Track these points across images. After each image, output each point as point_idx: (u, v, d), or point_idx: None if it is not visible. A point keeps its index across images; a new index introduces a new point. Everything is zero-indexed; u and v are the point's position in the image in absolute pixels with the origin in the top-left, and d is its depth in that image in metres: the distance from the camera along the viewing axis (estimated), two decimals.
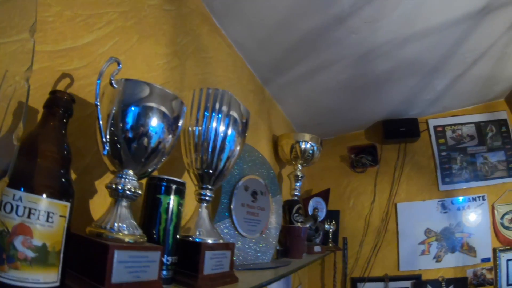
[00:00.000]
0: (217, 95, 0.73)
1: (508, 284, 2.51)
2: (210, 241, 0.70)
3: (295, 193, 1.80)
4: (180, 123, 0.61)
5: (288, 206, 1.67)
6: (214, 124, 0.72)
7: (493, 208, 2.52)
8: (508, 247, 2.52)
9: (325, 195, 2.30)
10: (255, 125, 1.58)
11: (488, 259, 2.52)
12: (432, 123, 2.53)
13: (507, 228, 2.51)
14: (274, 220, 1.26)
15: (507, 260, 2.52)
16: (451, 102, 2.51)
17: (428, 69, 1.98)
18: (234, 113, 0.76)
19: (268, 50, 1.52)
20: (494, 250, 2.52)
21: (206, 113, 0.72)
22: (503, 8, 1.54)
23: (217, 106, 0.73)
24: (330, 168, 2.60)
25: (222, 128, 0.73)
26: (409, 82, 2.09)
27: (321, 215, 2.19)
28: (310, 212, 2.11)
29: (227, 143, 0.75)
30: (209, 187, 0.76)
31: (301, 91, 1.96)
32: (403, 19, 1.45)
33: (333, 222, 2.30)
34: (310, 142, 1.81)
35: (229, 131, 0.75)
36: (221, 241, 0.73)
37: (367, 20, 1.42)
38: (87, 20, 0.66)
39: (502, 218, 2.51)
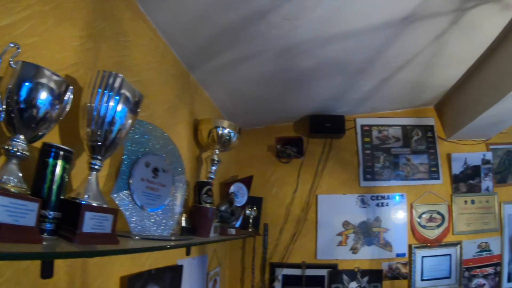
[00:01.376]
0: (111, 77, 0.83)
1: (422, 279, 2.64)
2: (94, 204, 0.78)
3: (210, 176, 1.82)
4: (66, 97, 0.73)
5: (198, 187, 1.71)
6: (105, 101, 0.82)
7: (411, 207, 2.66)
8: (424, 244, 2.64)
9: (247, 181, 2.45)
10: (173, 108, 1.61)
11: (403, 254, 2.65)
12: (360, 122, 2.74)
13: (424, 226, 2.65)
14: (177, 198, 1.34)
15: (422, 257, 2.65)
16: (380, 104, 2.70)
17: (353, 70, 2.16)
18: (126, 92, 0.85)
19: (192, 37, 1.56)
20: (410, 246, 2.65)
21: (99, 90, 0.82)
22: (427, 19, 1.66)
23: (109, 86, 0.82)
24: (257, 156, 2.78)
25: (112, 104, 0.82)
26: (334, 80, 2.28)
27: (242, 200, 2.35)
28: (235, 196, 2.21)
29: (117, 118, 0.84)
30: (99, 157, 0.84)
31: (227, 79, 2.03)
32: (323, 19, 1.54)
33: (254, 208, 2.44)
34: (228, 129, 1.83)
35: (120, 107, 0.84)
36: (105, 205, 0.81)
37: (287, 17, 1.49)
38: (7, 4, 0.73)
39: (420, 217, 2.65)
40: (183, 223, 1.48)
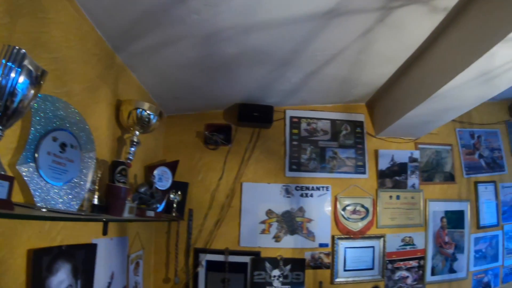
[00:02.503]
0: (14, 50, 0.85)
1: (345, 270, 2.73)
2: None
3: (129, 156, 1.82)
4: None
5: (113, 166, 1.71)
6: (7, 73, 0.84)
7: (336, 199, 2.73)
8: (347, 236, 2.72)
9: (173, 166, 2.48)
10: (94, 88, 1.60)
11: (326, 245, 2.73)
12: (290, 113, 2.80)
13: (347, 218, 2.72)
14: (86, 175, 1.36)
15: (345, 248, 2.74)
16: (310, 97, 2.78)
17: (278, 61, 2.21)
18: (28, 66, 0.88)
19: (117, 18, 1.55)
20: (333, 237, 2.73)
21: (3, 62, 0.84)
22: (351, 15, 1.69)
23: (12, 58, 0.85)
24: (186, 142, 2.82)
25: (13, 75, 0.85)
26: (260, 70, 2.32)
27: (166, 184, 2.37)
28: (155, 179, 2.27)
29: (19, 90, 0.87)
30: (0, 126, 0.87)
31: (153, 63, 2.03)
32: (243, 7, 1.55)
33: (179, 192, 2.47)
34: (148, 111, 1.83)
35: (21, 79, 0.87)
36: (2, 173, 0.84)
37: (207, 3, 1.50)
38: None
39: (344, 209, 2.73)
40: (96, 201, 1.52)
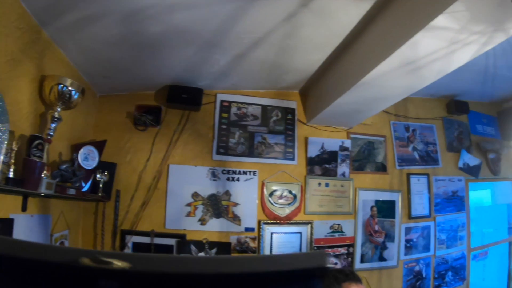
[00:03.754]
0: None
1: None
2: None
3: (49, 132, 1.79)
4: None
5: (30, 141, 1.69)
6: None
7: (263, 184, 2.72)
8: (274, 221, 2.73)
9: (99, 145, 2.43)
10: (15, 62, 1.56)
11: (252, 229, 2.72)
12: (221, 97, 2.79)
13: (274, 204, 2.72)
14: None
15: (271, 233, 2.73)
16: (241, 82, 2.79)
17: (204, 42, 2.18)
18: None
19: None
20: (259, 221, 2.72)
21: None
22: None
23: None
24: (116, 122, 2.76)
25: None
26: (187, 51, 2.30)
27: (92, 163, 2.32)
28: (80, 158, 2.21)
29: None
30: None
31: (80, 39, 1.99)
32: None
33: (106, 173, 2.43)
34: (69, 87, 1.81)
35: None
36: None
37: None
38: None
39: (271, 194, 2.72)
40: (11, 174, 1.48)
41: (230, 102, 2.81)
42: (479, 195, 5.12)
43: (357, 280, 1.90)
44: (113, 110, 2.74)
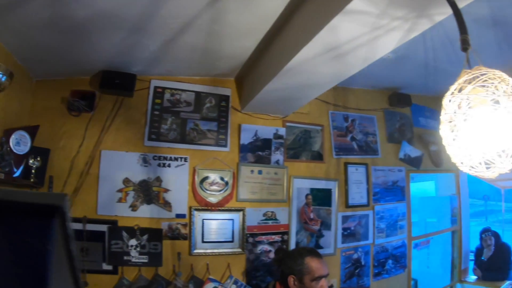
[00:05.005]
0: None
1: (203, 241, 2.74)
2: None
3: None
4: None
5: None
6: None
7: (194, 170, 2.71)
8: (205, 207, 2.77)
9: (32, 130, 2.40)
10: None
11: (183, 215, 2.72)
12: (155, 83, 2.77)
13: (205, 190, 2.72)
14: None
15: (203, 219, 2.76)
16: (176, 68, 2.80)
17: (131, 26, 2.15)
18: None
19: None
20: (190, 208, 2.73)
21: None
22: None
23: None
24: (51, 108, 2.72)
25: None
26: (115, 36, 2.27)
27: (24, 149, 2.28)
28: (12, 143, 2.15)
29: None
30: None
31: (10, 22, 1.92)
32: None
33: (38, 158, 2.38)
34: None
35: None
36: None
37: None
38: None
39: (202, 181, 2.70)
40: None
41: (164, 88, 2.79)
42: (423, 186, 5.23)
43: (319, 255, 2.15)
44: (49, 95, 2.71)
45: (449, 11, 1.52)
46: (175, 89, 2.82)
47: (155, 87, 2.80)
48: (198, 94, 2.85)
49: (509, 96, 1.14)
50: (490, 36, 2.85)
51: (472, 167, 1.22)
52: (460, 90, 1.22)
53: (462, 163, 1.25)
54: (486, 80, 1.18)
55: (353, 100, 3.46)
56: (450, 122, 1.24)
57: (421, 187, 5.58)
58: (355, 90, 3.48)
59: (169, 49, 2.46)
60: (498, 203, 9.61)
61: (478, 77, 1.19)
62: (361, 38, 1.70)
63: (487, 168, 1.20)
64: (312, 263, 2.06)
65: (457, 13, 1.32)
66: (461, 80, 1.22)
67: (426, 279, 4.89)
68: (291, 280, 2.06)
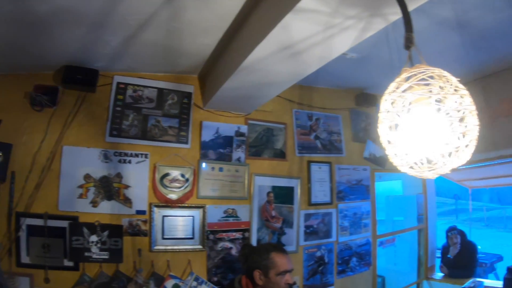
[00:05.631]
0: None
1: (163, 238, 2.90)
2: None
3: None
4: None
5: None
6: None
7: (155, 167, 2.85)
8: (165, 204, 2.92)
9: None
10: None
11: (143, 212, 2.87)
12: (118, 79, 2.91)
13: (166, 187, 2.83)
14: None
15: (163, 216, 2.91)
16: (138, 64, 2.93)
17: (91, 22, 2.25)
18: None
19: None
20: (150, 204, 2.88)
21: None
22: None
23: None
24: (14, 102, 2.79)
25: None
26: (76, 31, 2.37)
27: None
28: None
29: None
30: None
31: None
32: None
33: (0, 153, 2.49)
34: None
35: None
36: None
37: None
38: None
39: (162, 177, 2.83)
40: None
41: (126, 84, 2.92)
42: (391, 185, 5.54)
43: (284, 251, 2.37)
44: (12, 90, 2.78)
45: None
46: (138, 85, 2.96)
47: (118, 83, 2.92)
48: (160, 90, 2.99)
49: (446, 94, 1.22)
50: (455, 39, 3.05)
51: (412, 167, 1.29)
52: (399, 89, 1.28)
53: (403, 164, 1.32)
54: (423, 78, 1.24)
55: (318, 99, 3.66)
56: (387, 121, 1.32)
57: (388, 186, 5.92)
58: (321, 89, 3.69)
59: (130, 45, 2.58)
60: (468, 202, 10.20)
61: (416, 75, 1.25)
62: (315, 37, 1.79)
63: (428, 168, 1.26)
64: (278, 258, 2.28)
65: (404, 11, 1.41)
66: (399, 79, 1.27)
67: (393, 277, 5.21)
68: (256, 274, 2.26)
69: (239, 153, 3.16)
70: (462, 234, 5.11)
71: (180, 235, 2.95)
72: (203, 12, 2.17)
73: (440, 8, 2.49)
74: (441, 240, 5.28)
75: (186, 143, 3.02)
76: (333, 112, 3.69)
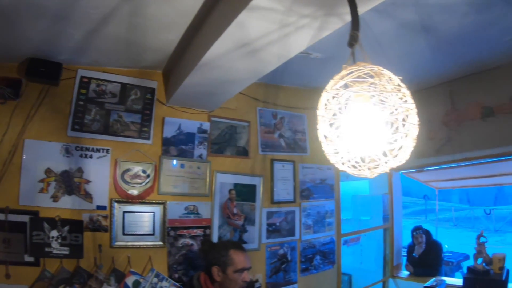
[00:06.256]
0: None
1: (124, 234, 3.05)
2: None
3: None
4: None
5: None
6: None
7: (116, 162, 3.02)
8: (126, 199, 3.08)
9: None
10: None
11: (104, 207, 3.01)
12: (82, 73, 3.06)
13: (127, 182, 3.00)
14: None
15: (124, 212, 3.06)
16: (103, 58, 3.06)
17: (53, 15, 2.35)
18: None
19: None
20: (111, 200, 3.03)
21: None
22: None
23: None
24: None
25: None
26: (39, 23, 2.46)
27: None
28: None
29: None
30: None
31: None
32: None
33: None
34: None
35: None
36: None
37: None
38: None
39: (124, 173, 3.00)
40: None
41: (90, 79, 3.05)
42: (358, 184, 5.88)
43: (242, 249, 2.54)
44: None
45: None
46: (101, 80, 3.10)
47: (81, 77, 3.05)
48: (124, 85, 3.14)
49: (381, 91, 1.23)
50: (421, 43, 3.27)
51: (353, 166, 1.32)
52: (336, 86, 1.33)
53: (340, 162, 1.36)
54: (360, 76, 1.27)
55: (283, 98, 3.88)
56: (325, 118, 1.35)
57: (355, 185, 6.27)
58: (286, 88, 3.90)
59: (94, 39, 2.71)
60: (439, 202, 10.83)
61: (353, 72, 1.28)
62: (271, 35, 1.88)
63: (367, 167, 1.32)
64: (236, 255, 2.45)
65: (353, 9, 1.44)
66: (338, 76, 1.32)
67: (360, 275, 5.55)
68: (215, 270, 2.44)
69: (201, 150, 3.35)
70: (427, 233, 5.48)
71: (141, 231, 3.10)
72: (164, 7, 2.31)
73: (404, 11, 2.67)
74: (407, 240, 5.65)
75: (148, 139, 3.18)
76: (298, 111, 3.91)
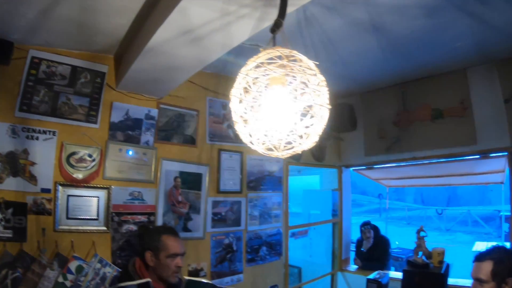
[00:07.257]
0: None
1: (68, 218, 3.27)
2: None
3: None
4: None
5: None
6: None
7: (62, 145, 3.28)
8: (70, 183, 3.31)
9: None
10: None
11: (48, 190, 3.22)
12: (32, 53, 3.27)
13: (72, 166, 3.28)
14: None
15: (68, 195, 3.30)
16: (54, 40, 3.26)
17: None
18: None
19: None
20: (55, 183, 3.26)
21: None
22: None
23: None
24: None
25: None
26: None
27: None
28: None
29: None
30: None
31: None
32: None
33: None
34: None
35: None
36: None
37: None
38: None
39: (69, 156, 3.27)
40: None
41: (41, 59, 3.26)
42: (310, 179, 6.44)
43: (175, 234, 2.74)
44: None
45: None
46: (52, 61, 3.31)
47: (32, 57, 3.25)
48: (74, 68, 3.37)
49: (290, 72, 1.37)
50: (372, 42, 3.68)
51: (266, 149, 1.51)
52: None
53: (252, 142, 1.55)
54: (272, 58, 1.40)
55: None
56: (240, 101, 1.51)
57: (307, 180, 6.82)
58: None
59: (46, 19, 2.90)
60: (390, 201, 11.69)
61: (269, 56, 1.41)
62: (213, 23, 2.03)
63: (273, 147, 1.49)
64: (168, 240, 2.65)
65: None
66: (253, 58, 1.44)
67: (309, 268, 6.11)
68: (148, 255, 2.54)
69: (147, 136, 3.66)
70: (375, 229, 6.08)
71: (85, 215, 3.31)
72: None
73: (354, 9, 3.01)
74: (357, 235, 6.27)
75: (95, 123, 3.43)
76: None
